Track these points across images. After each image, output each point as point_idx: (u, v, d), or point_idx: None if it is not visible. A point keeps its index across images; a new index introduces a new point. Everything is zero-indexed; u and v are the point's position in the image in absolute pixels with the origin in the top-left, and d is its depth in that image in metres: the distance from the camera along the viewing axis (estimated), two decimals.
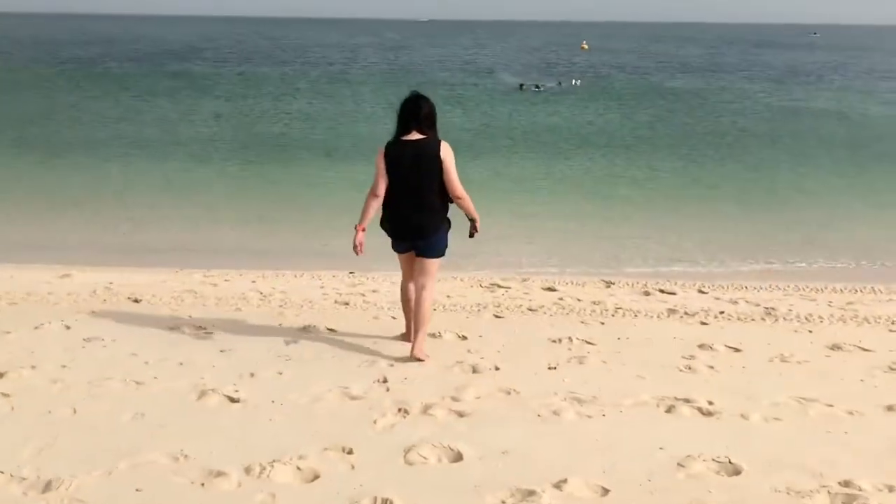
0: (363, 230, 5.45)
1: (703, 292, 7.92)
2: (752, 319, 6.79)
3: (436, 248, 5.48)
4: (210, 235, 10.89)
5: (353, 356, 5.61)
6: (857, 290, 8.02)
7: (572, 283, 8.19)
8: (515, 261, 9.58)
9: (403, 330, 5.96)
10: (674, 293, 7.83)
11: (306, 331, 6.23)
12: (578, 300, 7.42)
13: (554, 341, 6.01)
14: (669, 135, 21.63)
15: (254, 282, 8.14)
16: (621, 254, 10.14)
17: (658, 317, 6.83)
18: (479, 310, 6.96)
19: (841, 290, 8.03)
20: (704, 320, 6.73)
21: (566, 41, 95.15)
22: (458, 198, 5.38)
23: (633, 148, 19.29)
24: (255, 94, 31.32)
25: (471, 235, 5.62)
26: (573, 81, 36.75)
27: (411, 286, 5.64)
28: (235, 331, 6.21)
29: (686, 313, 6.93)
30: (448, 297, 7.47)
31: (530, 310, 7.00)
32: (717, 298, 7.62)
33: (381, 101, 28.42)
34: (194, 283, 8.09)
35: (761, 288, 8.09)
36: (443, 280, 8.23)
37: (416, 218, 5.34)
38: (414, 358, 5.42)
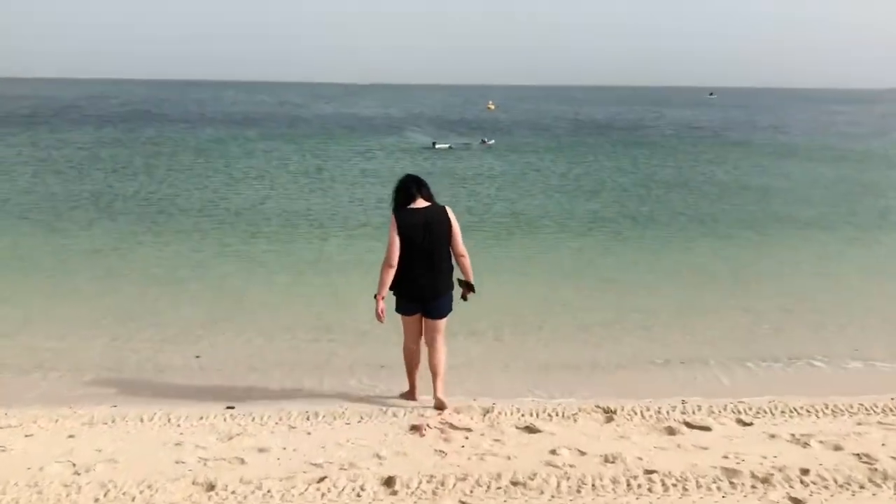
0: (383, 299, 5.63)
1: (745, 423, 5.49)
2: (861, 486, 4.37)
3: (447, 307, 5.81)
4: (32, 343, 7.72)
5: None
6: None
7: (558, 415, 5.61)
8: (458, 380, 6.93)
9: (406, 389, 6.11)
10: (708, 428, 5.37)
11: None
12: (581, 453, 4.84)
13: None
14: (593, 194, 19.76)
15: (72, 437, 5.19)
16: (594, 354, 7.67)
17: (718, 488, 4.32)
18: (432, 490, 4.28)
19: None
20: (792, 492, 4.26)
21: (478, 101, 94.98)
22: (463, 255, 5.76)
23: (559, 220, 17.18)
24: (112, 155, 27.93)
25: (464, 298, 5.84)
26: (484, 140, 35.14)
27: (414, 347, 5.91)
28: None
29: (755, 477, 4.45)
30: (377, 457, 4.77)
31: (515, 484, 4.36)
32: (774, 436, 5.20)
33: (257, 166, 25.73)
34: None
35: (818, 412, 5.74)
36: (365, 421, 5.53)
37: (431, 280, 5.65)
38: (440, 405, 5.74)
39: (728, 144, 37.13)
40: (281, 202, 17.52)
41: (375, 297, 5.61)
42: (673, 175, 24.13)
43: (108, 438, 5.15)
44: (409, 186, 5.69)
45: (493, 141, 35.22)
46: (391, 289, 5.68)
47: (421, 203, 5.65)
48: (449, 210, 5.72)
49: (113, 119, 50.27)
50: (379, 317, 5.62)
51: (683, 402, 6.02)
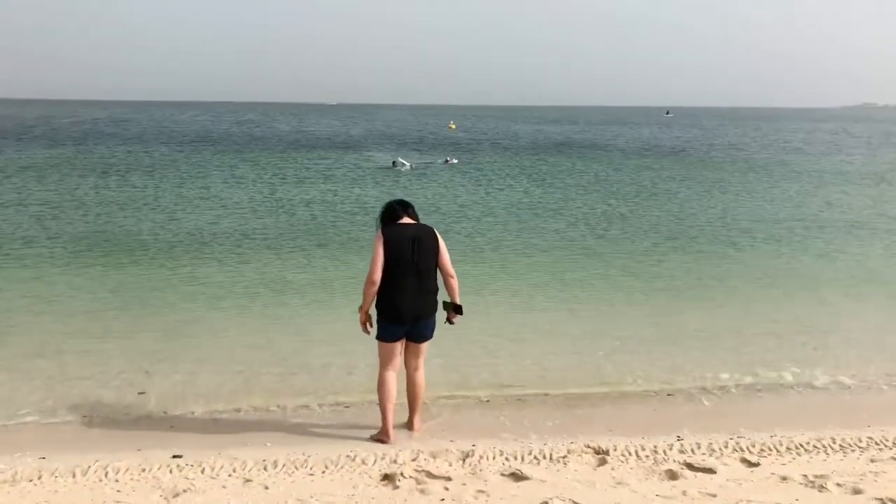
0: (366, 313, 5.44)
1: (751, 464, 5.01)
2: None
3: (432, 330, 5.56)
4: None
5: None
6: None
7: (546, 458, 5.07)
8: (429, 413, 6.34)
9: (377, 429, 5.59)
10: (712, 471, 4.87)
11: None
12: None
13: None
14: (562, 212, 19.37)
15: None
16: (570, 380, 7.14)
17: None
18: None
19: None
20: None
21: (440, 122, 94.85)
22: (452, 276, 5.50)
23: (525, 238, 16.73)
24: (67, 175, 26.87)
25: (451, 321, 5.64)
26: (447, 160, 34.76)
27: (391, 376, 5.52)
28: None
29: None
30: None
31: None
32: (785, 479, 4.72)
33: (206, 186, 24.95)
34: None
35: (826, 448, 5.29)
36: (331, 470, 4.91)
37: (420, 299, 5.39)
38: (412, 429, 5.66)
39: (688, 161, 37.27)
40: (234, 222, 16.76)
41: (360, 310, 5.46)
42: (636, 192, 23.91)
43: (31, 500, 4.45)
44: (394, 207, 5.55)
45: (455, 160, 34.80)
46: (379, 308, 5.45)
47: (407, 220, 5.51)
48: (436, 230, 5.57)
49: (64, 139, 48.78)
50: (365, 328, 5.50)
51: (679, 438, 5.55)
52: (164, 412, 6.25)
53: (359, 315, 5.48)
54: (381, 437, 5.51)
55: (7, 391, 6.66)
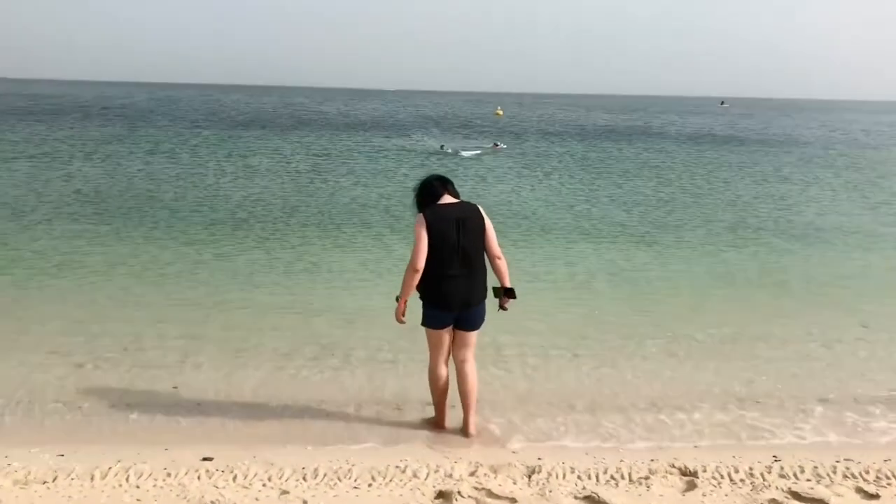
0: (405, 303, 4.94)
1: (869, 495, 4.26)
2: None
3: (482, 318, 5.13)
4: None
5: None
6: None
7: (624, 478, 4.39)
8: (488, 418, 5.69)
9: (432, 415, 5.35)
10: (824, 502, 4.14)
11: None
12: None
13: None
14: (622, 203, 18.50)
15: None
16: (644, 386, 6.42)
17: None
18: None
19: None
20: None
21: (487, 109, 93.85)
22: (499, 258, 5.10)
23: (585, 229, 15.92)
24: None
25: (504, 307, 5.24)
26: (495, 144, 34.00)
27: (443, 369, 5.14)
28: None
29: None
30: None
31: None
32: None
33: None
34: None
35: None
36: (378, 483, 4.30)
37: (468, 284, 4.96)
38: (469, 435, 5.10)
39: (744, 152, 35.83)
40: (276, 201, 16.32)
41: (398, 298, 4.95)
42: (692, 181, 22.87)
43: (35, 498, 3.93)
44: (434, 184, 5.05)
45: (504, 146, 34.05)
46: (420, 298, 4.98)
47: (448, 199, 4.99)
48: (481, 208, 5.06)
49: (114, 119, 49.20)
50: (399, 318, 4.97)
51: (776, 458, 4.80)
52: (198, 406, 5.71)
53: (396, 304, 4.96)
54: (436, 426, 5.30)
55: (34, 377, 6.20)
